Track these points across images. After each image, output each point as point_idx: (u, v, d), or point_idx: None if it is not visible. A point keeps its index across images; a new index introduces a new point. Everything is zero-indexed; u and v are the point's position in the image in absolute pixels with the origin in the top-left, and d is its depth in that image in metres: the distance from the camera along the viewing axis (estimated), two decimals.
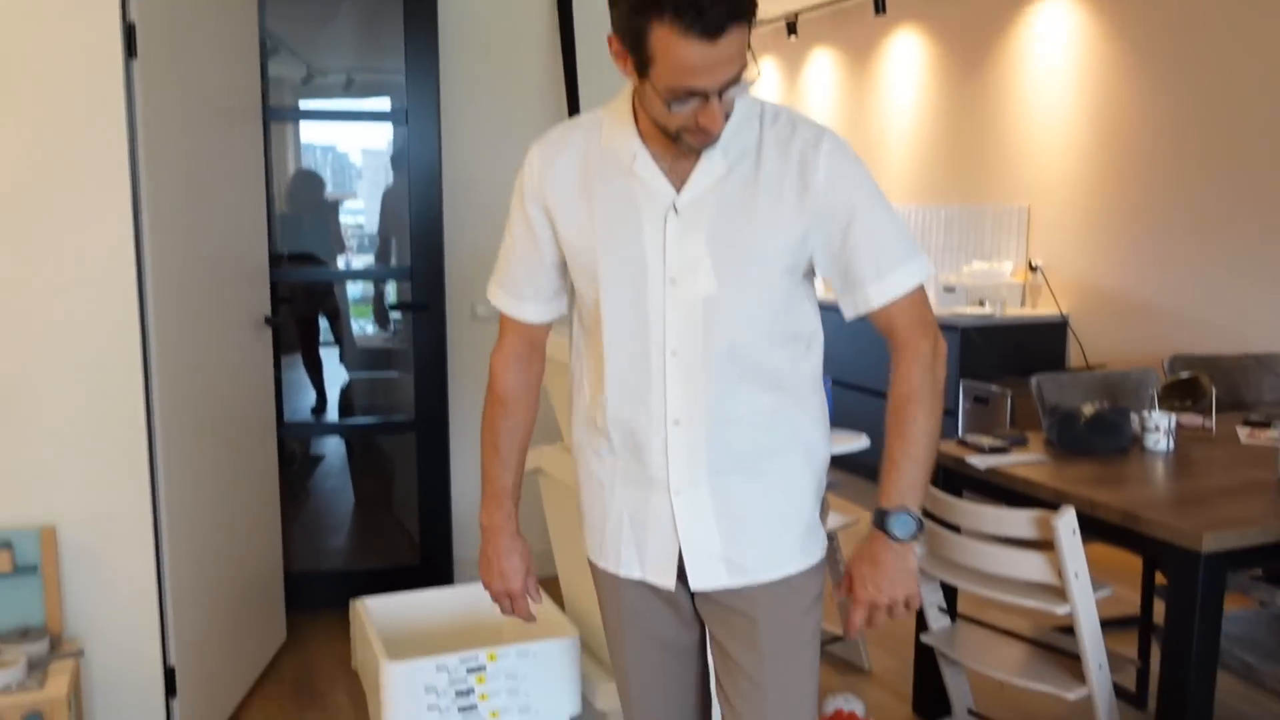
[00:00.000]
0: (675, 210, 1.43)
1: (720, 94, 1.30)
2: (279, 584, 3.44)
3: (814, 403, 1.54)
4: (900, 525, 1.43)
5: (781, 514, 1.51)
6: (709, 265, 1.42)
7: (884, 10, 5.72)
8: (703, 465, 1.47)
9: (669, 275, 1.43)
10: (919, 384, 1.45)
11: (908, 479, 1.44)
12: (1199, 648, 2.15)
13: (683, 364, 1.45)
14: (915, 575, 1.46)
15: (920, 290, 1.48)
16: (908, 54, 5.92)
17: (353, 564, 4.24)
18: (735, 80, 1.30)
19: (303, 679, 3.25)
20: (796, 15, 6.50)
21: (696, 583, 1.50)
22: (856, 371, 5.48)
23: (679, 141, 1.38)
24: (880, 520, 1.44)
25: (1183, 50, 4.32)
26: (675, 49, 1.25)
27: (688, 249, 1.42)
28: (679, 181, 1.43)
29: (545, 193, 1.51)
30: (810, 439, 1.54)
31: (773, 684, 1.50)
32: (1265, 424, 3.07)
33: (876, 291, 1.45)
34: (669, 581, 1.52)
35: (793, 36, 6.63)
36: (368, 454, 5.75)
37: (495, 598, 1.68)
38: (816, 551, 1.54)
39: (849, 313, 1.49)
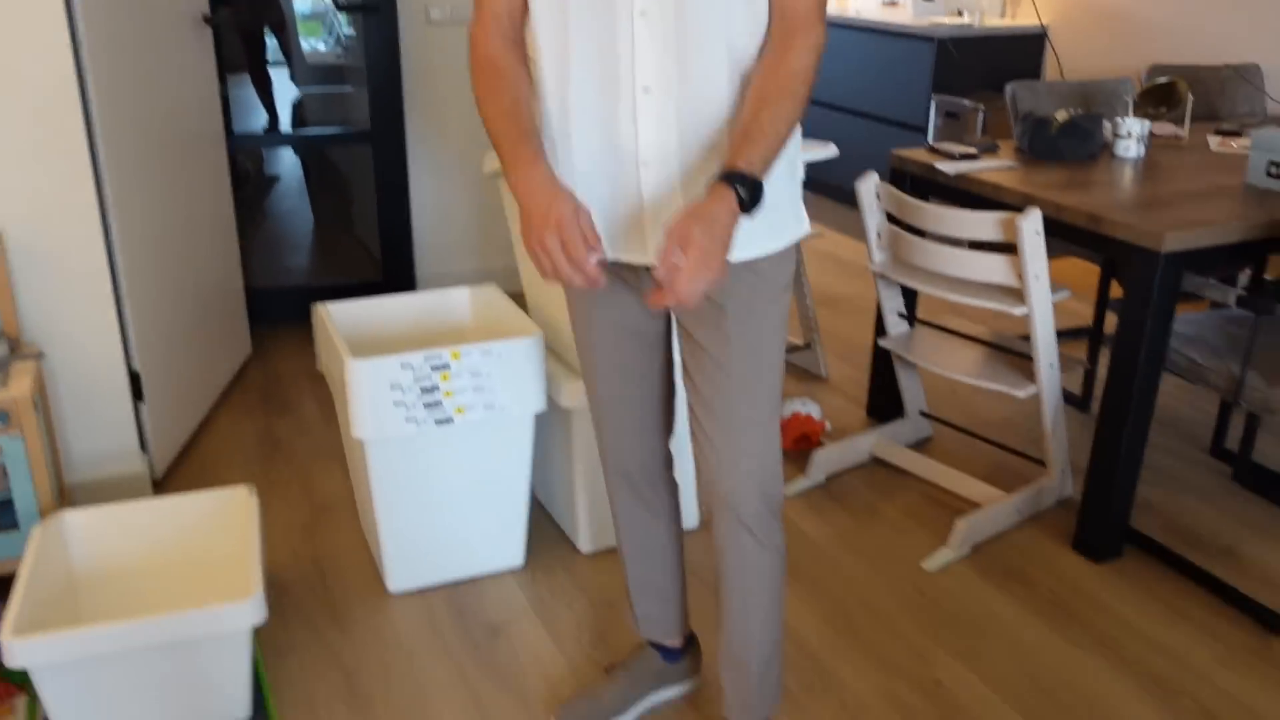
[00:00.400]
0: None
1: None
2: (240, 296, 3.43)
3: None
4: (748, 191, 1.33)
5: None
6: None
7: None
8: (672, 135, 1.42)
9: None
10: (807, 67, 1.39)
11: (768, 151, 1.36)
12: (1149, 347, 2.20)
13: (652, 26, 1.37)
14: (724, 254, 1.33)
15: None
16: None
17: (315, 281, 4.22)
18: None
19: (270, 389, 3.30)
20: None
21: (656, 254, 1.47)
22: (826, 88, 5.32)
23: None
24: (731, 179, 1.33)
25: None
26: None
27: None
28: None
29: None
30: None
31: (739, 368, 1.51)
32: (1236, 132, 3.03)
33: None
34: (639, 258, 1.50)
35: None
36: (324, 173, 5.61)
37: (554, 263, 1.37)
38: (786, 235, 1.51)
39: None
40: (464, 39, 3.71)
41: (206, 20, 3.16)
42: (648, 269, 1.54)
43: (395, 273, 3.87)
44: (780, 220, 1.50)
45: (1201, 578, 2.32)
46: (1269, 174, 2.44)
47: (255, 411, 3.14)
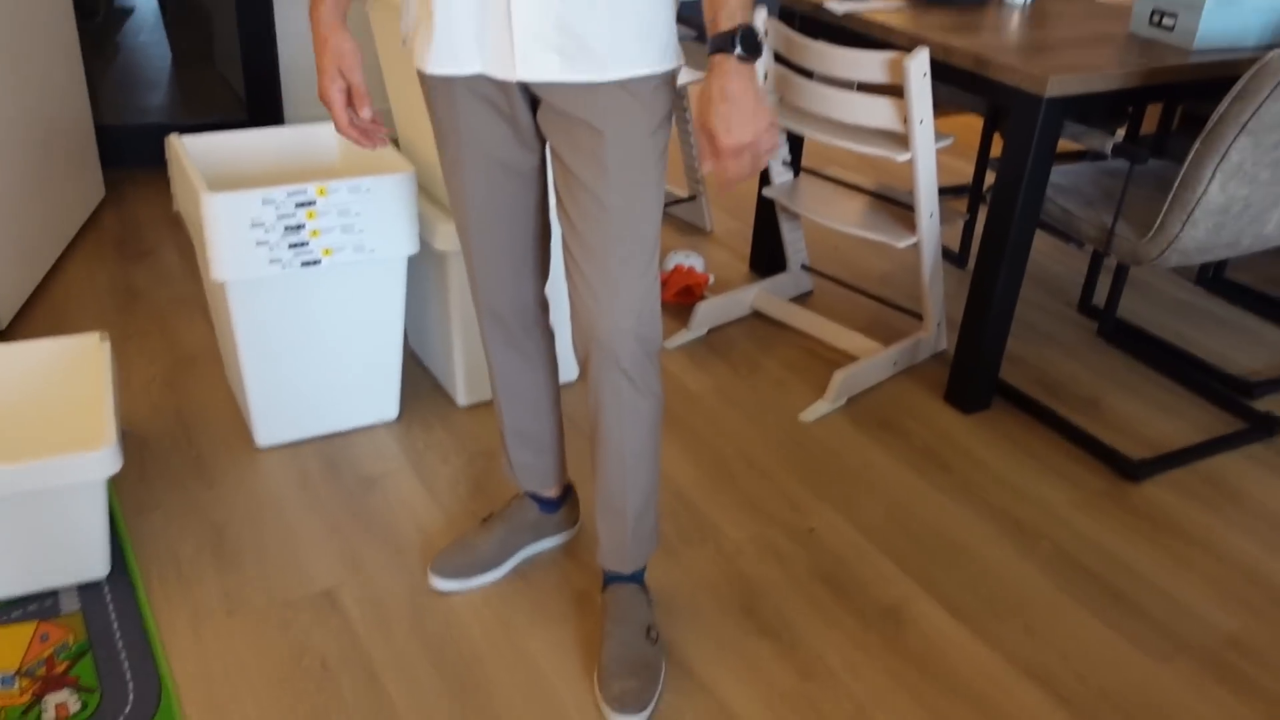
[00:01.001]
0: None
1: None
2: (89, 135, 3.18)
3: None
4: (748, 43, 1.31)
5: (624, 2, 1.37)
6: None
7: None
8: None
9: None
10: None
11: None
12: (1026, 195, 2.21)
13: None
14: (765, 102, 1.36)
15: None
16: None
17: (174, 119, 3.95)
18: None
19: (127, 234, 3.10)
20: None
21: (525, 71, 1.38)
22: None
23: None
24: (723, 42, 1.31)
25: None
26: None
27: None
28: None
29: None
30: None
31: (618, 202, 1.44)
32: None
33: None
34: (509, 71, 1.40)
35: None
36: (182, 3, 5.20)
37: (335, 118, 1.53)
38: (666, 60, 1.43)
39: None
40: None
41: None
42: (523, 87, 1.44)
43: (261, 110, 3.63)
44: (656, 40, 1.40)
45: (1064, 428, 2.40)
46: (1151, 23, 2.44)
47: (110, 258, 2.95)
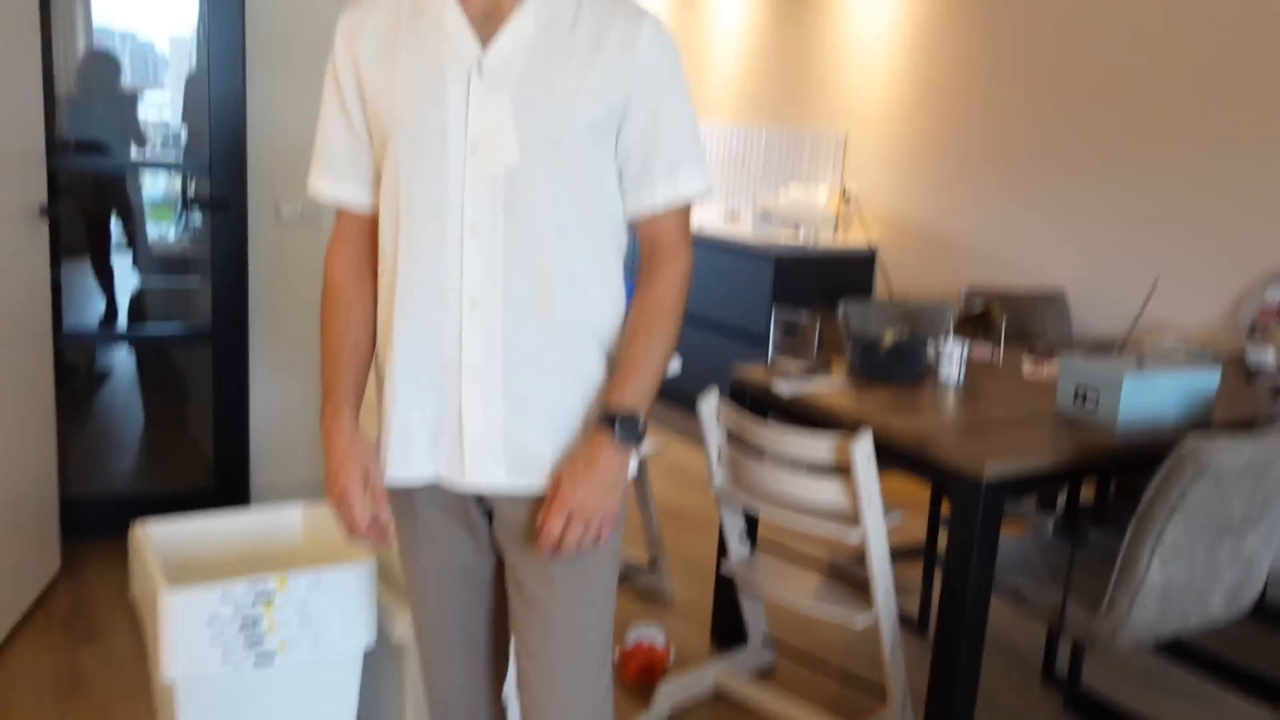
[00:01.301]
0: (479, 70, 1.37)
1: None
2: (52, 507, 3.20)
3: (614, 297, 1.49)
4: (628, 429, 1.39)
5: (572, 410, 1.45)
6: (512, 132, 1.36)
7: None
8: (498, 350, 1.41)
9: (470, 142, 1.37)
10: (678, 294, 1.46)
11: (646, 385, 1.41)
12: (976, 572, 2.26)
13: (481, 241, 1.39)
14: (621, 492, 1.41)
15: (692, 203, 1.49)
16: None
17: (140, 489, 4.00)
18: None
19: (78, 613, 3.04)
20: None
21: (474, 477, 1.44)
22: None
23: None
24: (610, 420, 1.39)
25: None
26: None
27: (490, 113, 1.36)
28: (487, 42, 1.38)
29: (355, 54, 1.44)
30: (609, 332, 1.48)
31: (564, 615, 1.46)
32: (1048, 355, 3.24)
33: (666, 187, 1.44)
34: (460, 478, 1.45)
35: None
36: (160, 368, 5.41)
37: (352, 520, 1.50)
38: None
39: (631, 209, 1.46)
40: (313, 238, 3.71)
41: (44, 212, 3.06)
42: (478, 498, 1.50)
43: (228, 481, 3.70)
44: None
45: None
46: (1075, 401, 2.60)
47: (58, 639, 2.87)
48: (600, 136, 1.40)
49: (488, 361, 1.41)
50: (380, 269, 1.49)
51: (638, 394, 1.40)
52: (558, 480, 1.40)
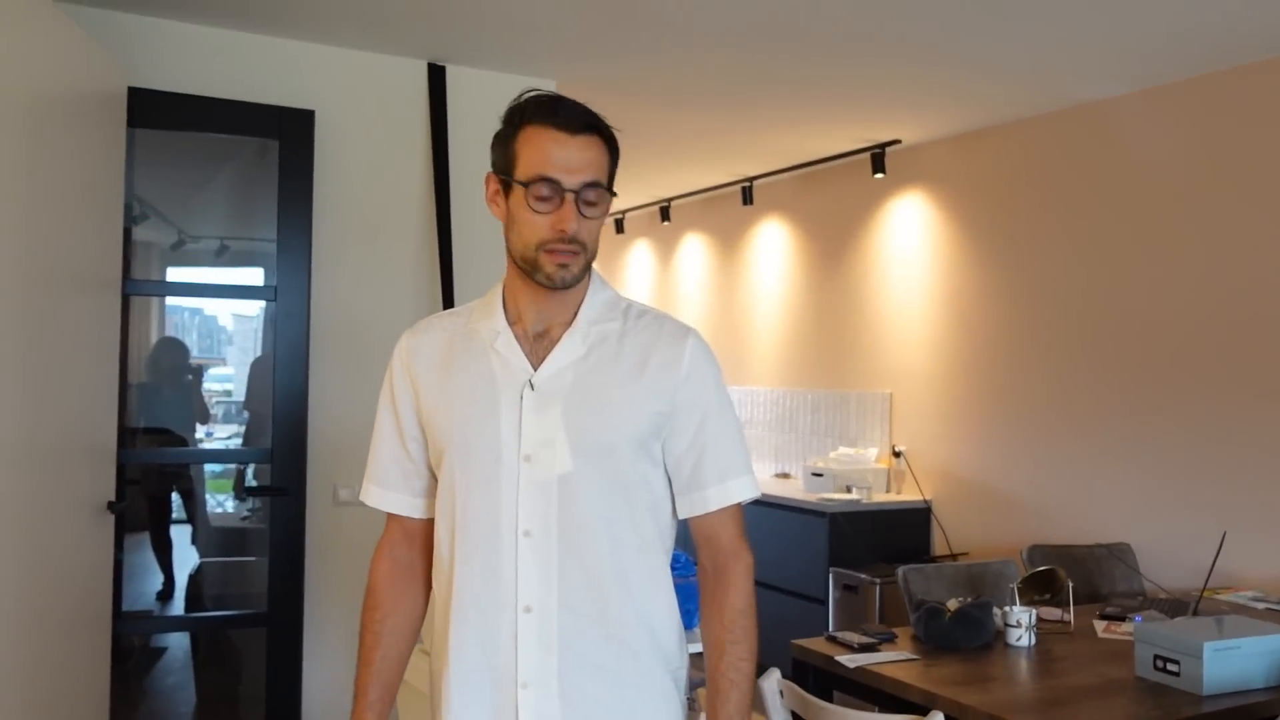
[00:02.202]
0: (531, 386, 1.44)
1: (577, 197, 1.40)
2: None
3: (666, 593, 1.51)
4: None
5: (633, 711, 1.44)
6: (564, 443, 1.42)
7: (751, 201, 5.98)
8: (553, 658, 1.40)
9: (523, 452, 1.43)
10: (750, 596, 1.50)
11: (741, 697, 1.44)
12: None
13: (535, 546, 1.41)
14: None
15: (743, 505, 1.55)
16: (773, 242, 6.18)
17: None
18: (591, 190, 1.41)
19: None
20: (670, 201, 6.75)
21: None
22: None
23: (538, 274, 1.43)
24: None
25: (1026, 245, 4.62)
26: (536, 138, 1.42)
27: (543, 425, 1.43)
28: (538, 362, 1.47)
29: (412, 373, 1.53)
30: (664, 637, 1.50)
31: None
32: (1120, 617, 3.14)
33: (717, 493, 1.49)
34: None
35: (666, 221, 6.86)
36: (215, 647, 5.38)
37: None
38: None
39: (683, 512, 1.52)
40: (370, 520, 3.76)
41: (111, 508, 3.15)
42: None
43: None
44: None
45: None
46: (1156, 668, 2.50)
47: None
48: (647, 447, 1.47)
49: (542, 667, 1.41)
50: (435, 576, 1.52)
51: (734, 710, 1.42)
52: None
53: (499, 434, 1.44)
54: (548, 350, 1.47)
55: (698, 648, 2.57)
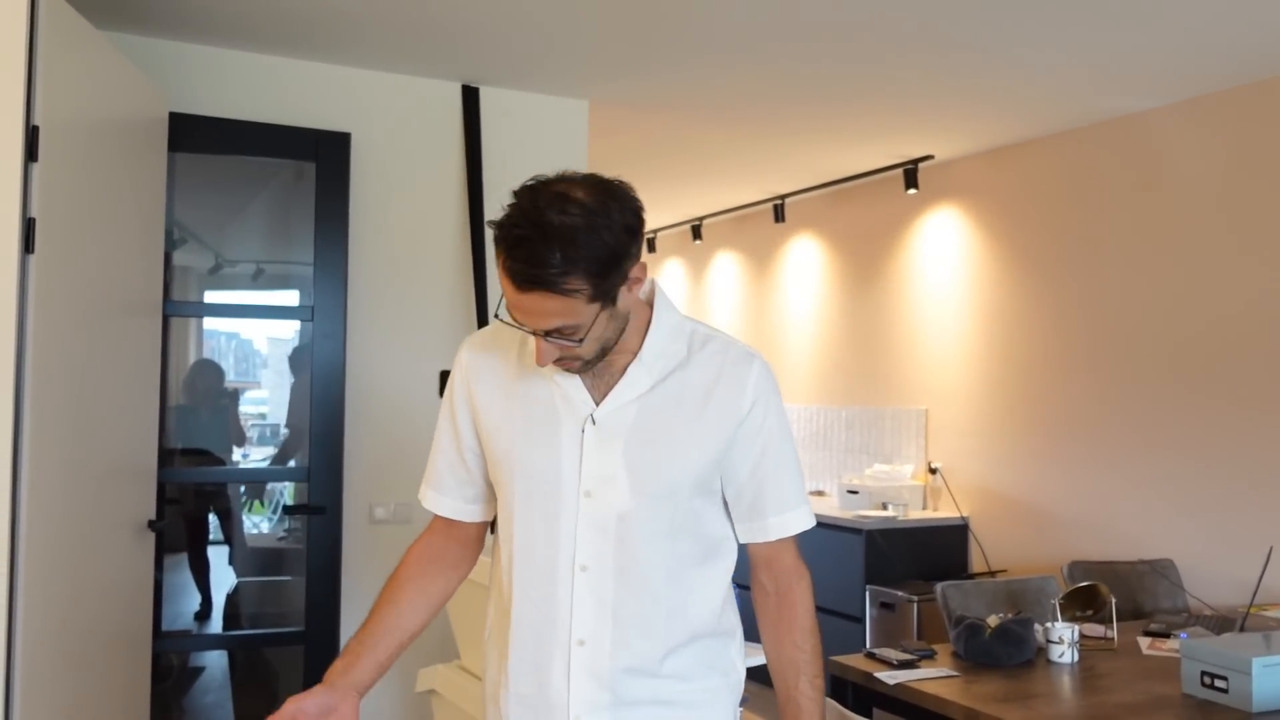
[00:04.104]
0: (593, 421, 1.43)
1: (543, 335, 1.34)
2: None
3: (729, 622, 1.53)
4: None
5: None
6: (625, 480, 1.41)
7: (783, 219, 5.98)
8: (606, 691, 1.40)
9: (583, 487, 1.42)
10: (812, 615, 1.52)
11: (819, 715, 1.46)
12: None
13: (591, 581, 1.41)
14: None
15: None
16: (806, 259, 6.17)
17: None
18: (559, 334, 1.33)
19: None
20: (701, 220, 6.76)
21: None
22: None
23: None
24: None
25: (1063, 259, 4.58)
26: (500, 271, 1.33)
27: (604, 461, 1.42)
28: (600, 396, 1.45)
29: (472, 391, 1.53)
30: (727, 658, 1.52)
31: None
32: (1165, 634, 3.09)
33: (778, 524, 1.50)
34: None
35: (698, 240, 6.87)
36: (252, 665, 5.42)
37: None
38: None
39: (744, 538, 1.53)
40: (405, 533, 3.78)
41: (151, 526, 3.19)
42: None
43: None
44: None
45: None
46: (1204, 684, 2.45)
47: None
48: (708, 482, 1.47)
49: (593, 701, 1.41)
50: (494, 599, 1.52)
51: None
52: None
53: (559, 468, 1.43)
54: (610, 382, 1.45)
55: (754, 661, 2.55)
